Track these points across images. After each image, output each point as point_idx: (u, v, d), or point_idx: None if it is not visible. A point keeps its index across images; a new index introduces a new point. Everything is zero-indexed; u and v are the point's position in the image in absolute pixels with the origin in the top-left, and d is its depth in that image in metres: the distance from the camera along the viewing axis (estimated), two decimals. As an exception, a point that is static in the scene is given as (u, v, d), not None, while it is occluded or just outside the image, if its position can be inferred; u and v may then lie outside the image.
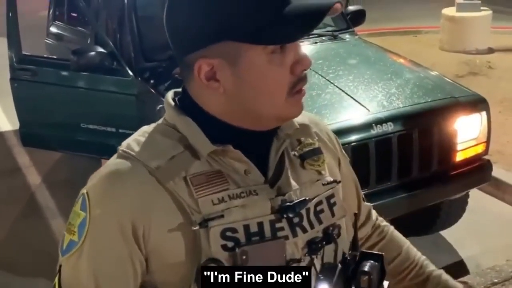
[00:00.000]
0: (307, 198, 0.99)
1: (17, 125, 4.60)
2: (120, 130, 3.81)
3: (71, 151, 4.42)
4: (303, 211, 0.99)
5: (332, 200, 1.05)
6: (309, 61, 0.95)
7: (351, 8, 4.41)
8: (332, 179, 1.06)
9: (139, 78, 3.72)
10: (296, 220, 0.98)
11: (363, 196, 1.28)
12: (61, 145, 4.31)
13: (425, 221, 3.73)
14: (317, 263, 1.00)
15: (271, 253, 0.94)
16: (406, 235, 1.35)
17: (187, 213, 0.92)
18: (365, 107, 3.08)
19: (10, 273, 3.50)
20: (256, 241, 0.93)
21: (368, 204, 1.31)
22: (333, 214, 1.04)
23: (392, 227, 1.34)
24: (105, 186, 0.95)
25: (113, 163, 0.97)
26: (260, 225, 0.95)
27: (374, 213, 1.34)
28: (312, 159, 1.05)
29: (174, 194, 0.92)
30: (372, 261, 1.02)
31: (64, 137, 4.17)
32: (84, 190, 0.97)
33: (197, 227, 0.91)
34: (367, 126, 2.96)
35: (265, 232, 0.95)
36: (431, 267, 1.28)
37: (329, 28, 4.13)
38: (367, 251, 1.06)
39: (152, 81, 3.68)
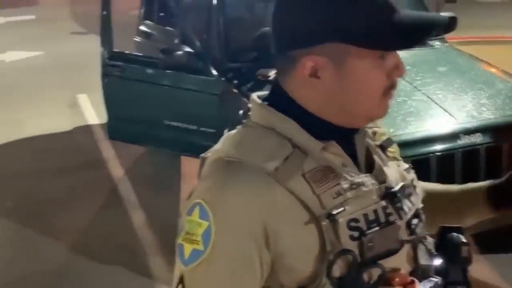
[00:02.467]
0: (403, 184, 1.05)
1: (104, 119, 4.80)
2: (201, 128, 3.88)
3: (153, 146, 4.55)
4: (404, 196, 1.04)
5: (415, 184, 1.11)
6: (405, 69, 1.00)
7: (442, 14, 4.26)
8: (407, 165, 1.13)
9: (223, 78, 3.78)
10: (399, 204, 1.03)
11: None
12: (145, 140, 4.44)
13: (508, 239, 3.54)
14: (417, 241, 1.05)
15: (389, 238, 0.99)
16: (486, 251, 1.30)
17: (311, 209, 0.94)
18: (452, 116, 2.97)
19: (88, 262, 3.63)
20: (376, 228, 0.98)
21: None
22: (418, 197, 1.10)
23: None
24: (224, 193, 0.94)
25: (222, 171, 0.97)
26: (375, 212, 0.99)
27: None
28: (390, 147, 1.11)
29: (296, 193, 0.94)
30: (456, 233, 1.09)
31: (148, 132, 4.29)
32: (197, 199, 0.96)
33: (325, 222, 0.94)
34: (454, 136, 2.85)
35: (380, 218, 0.99)
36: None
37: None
38: (446, 225, 1.13)
39: (235, 82, 3.72)
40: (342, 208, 0.95)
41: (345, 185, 0.97)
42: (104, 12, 4.48)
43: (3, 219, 4.14)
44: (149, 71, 4.23)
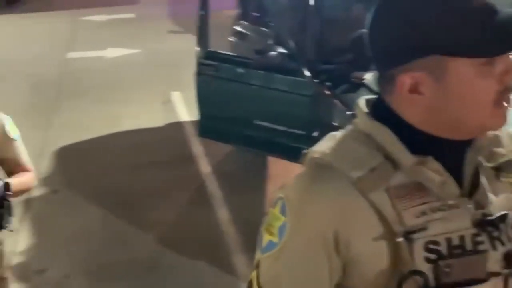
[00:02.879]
0: (505, 212, 0.97)
1: (195, 117, 4.89)
2: (291, 130, 3.86)
3: (242, 146, 4.58)
4: (502, 225, 0.97)
5: None
6: None
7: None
8: None
9: (316, 80, 3.73)
10: (495, 233, 0.96)
11: None
12: (233, 138, 4.48)
13: None
14: None
15: (472, 267, 0.94)
16: None
17: (389, 224, 0.93)
18: None
19: (174, 255, 3.72)
20: (458, 254, 0.94)
21: None
22: None
23: None
24: (305, 194, 0.97)
25: (310, 171, 0.99)
26: (462, 238, 0.94)
27: None
28: (507, 171, 1.02)
29: (376, 205, 0.93)
30: None
31: (237, 131, 4.33)
32: (282, 194, 1.00)
33: (401, 239, 0.92)
34: None
35: (466, 246, 0.94)
36: None
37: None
38: None
39: (328, 84, 3.67)
40: (422, 228, 0.92)
41: (435, 204, 0.94)
42: (202, 12, 4.57)
43: (96, 208, 4.32)
44: (242, 71, 4.27)
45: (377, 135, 0.97)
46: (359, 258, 0.95)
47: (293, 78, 3.87)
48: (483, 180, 0.99)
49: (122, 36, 9.93)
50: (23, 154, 2.28)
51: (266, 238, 1.00)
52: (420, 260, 0.92)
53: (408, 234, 0.92)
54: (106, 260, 3.68)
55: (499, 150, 1.03)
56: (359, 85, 3.36)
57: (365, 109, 1.01)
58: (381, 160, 0.95)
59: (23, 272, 3.55)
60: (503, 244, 0.97)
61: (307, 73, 3.78)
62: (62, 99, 6.89)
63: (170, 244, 3.83)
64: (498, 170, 1.01)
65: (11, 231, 2.31)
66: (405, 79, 0.93)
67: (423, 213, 0.93)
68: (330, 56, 3.87)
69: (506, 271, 0.97)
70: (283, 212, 0.98)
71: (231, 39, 5.27)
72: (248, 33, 4.85)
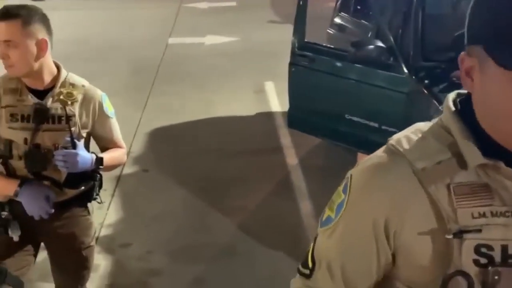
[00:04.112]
0: None
1: (286, 107, 4.86)
2: (383, 127, 3.73)
3: (331, 140, 4.50)
4: None
5: None
6: None
7: None
8: None
9: (414, 77, 3.58)
10: None
11: None
12: (323, 132, 4.41)
13: None
14: None
15: None
16: None
17: (443, 220, 0.91)
18: None
19: (254, 242, 3.71)
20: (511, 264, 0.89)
21: None
22: None
23: None
24: (367, 176, 0.99)
25: (380, 155, 1.00)
26: None
27: None
28: None
29: (434, 198, 0.92)
30: None
31: (327, 125, 4.25)
32: (349, 173, 1.02)
33: (450, 236, 0.90)
34: None
35: None
36: None
37: None
38: None
39: (426, 81, 3.50)
40: (477, 230, 0.89)
41: (499, 209, 0.90)
42: (301, 2, 4.52)
43: (182, 191, 4.41)
44: (337, 63, 4.18)
45: (454, 131, 0.95)
46: (406, 250, 0.95)
47: (390, 73, 3.74)
48: None
49: (222, 24, 10.09)
50: (117, 131, 2.34)
51: (326, 213, 1.05)
52: (468, 262, 0.89)
53: (461, 233, 0.89)
54: (187, 241, 3.75)
55: None
56: (459, 85, 3.17)
57: (451, 104, 0.98)
58: (449, 156, 0.93)
59: (109, 244, 3.69)
60: None
61: (405, 69, 3.63)
62: (160, 82, 7.10)
63: (250, 232, 3.84)
64: None
65: (101, 203, 2.40)
66: (465, 58, 0.91)
67: (482, 215, 0.90)
68: (431, 53, 3.69)
69: None
70: (345, 190, 1.01)
71: (330, 30, 5.19)
72: (347, 25, 4.75)
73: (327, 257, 1.03)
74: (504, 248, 0.89)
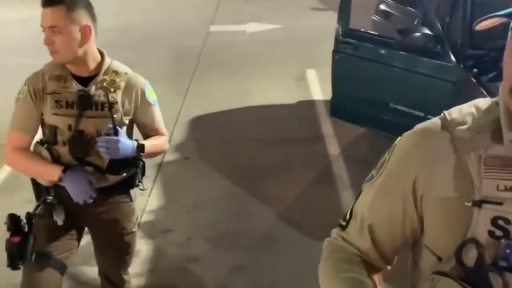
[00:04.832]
0: None
1: (328, 96, 4.80)
2: (428, 116, 3.60)
3: (373, 128, 4.42)
4: None
5: None
6: None
7: None
8: None
9: (461, 65, 3.46)
10: None
11: None
12: (366, 120, 4.33)
13: None
14: None
15: None
16: None
17: (469, 188, 0.93)
18: None
19: (293, 231, 3.69)
20: None
21: None
22: None
23: None
24: (411, 137, 1.06)
25: (430, 121, 1.06)
26: None
27: None
28: None
29: (464, 165, 0.95)
30: None
31: (370, 113, 4.17)
32: (400, 137, 1.09)
33: (469, 204, 0.92)
34: None
35: None
36: None
37: None
38: None
39: (475, 70, 3.39)
40: (498, 202, 0.90)
41: None
42: (346, -11, 4.43)
43: (222, 178, 4.41)
44: (382, 51, 4.09)
45: (500, 107, 0.97)
46: (431, 213, 0.99)
47: (437, 62, 3.64)
48: None
49: (265, 12, 10.04)
50: (159, 118, 2.35)
51: (371, 172, 1.12)
52: (482, 231, 0.91)
53: (481, 203, 0.91)
54: (226, 229, 3.75)
55: None
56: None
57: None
58: (490, 129, 0.96)
59: (150, 230, 3.73)
60: None
61: (452, 57, 3.52)
62: (200, 70, 7.11)
63: (290, 221, 3.81)
64: None
65: (143, 189, 2.41)
66: None
67: (508, 189, 0.90)
68: (479, 41, 3.56)
69: None
70: (389, 150, 1.09)
71: (375, 17, 5.08)
72: (393, 12, 4.64)
73: (361, 213, 1.11)
74: None
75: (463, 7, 3.63)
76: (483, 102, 1.03)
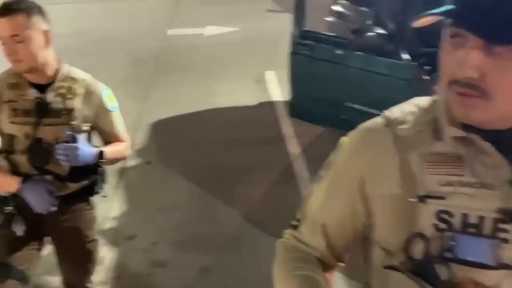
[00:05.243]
0: None
1: (287, 97, 4.85)
2: (385, 114, 3.72)
3: (332, 127, 4.49)
4: None
5: None
6: (462, 72, 0.88)
7: None
8: None
9: (415, 63, 3.56)
10: None
11: None
12: (324, 120, 4.40)
13: None
14: None
15: (482, 250, 0.91)
16: None
17: (413, 184, 0.96)
18: None
19: (258, 231, 3.72)
20: (470, 232, 0.92)
21: None
22: None
23: None
24: (355, 137, 1.09)
25: (373, 120, 1.08)
26: (481, 219, 0.92)
27: None
28: None
29: (407, 163, 0.97)
30: None
31: (329, 113, 4.24)
32: (343, 137, 1.12)
33: (415, 200, 0.95)
34: None
35: (484, 228, 0.92)
36: None
37: None
38: None
39: (428, 68, 3.49)
40: (440, 196, 0.93)
41: (467, 179, 0.93)
42: (300, -10, 4.50)
43: (186, 182, 4.41)
44: (338, 51, 4.16)
45: (440, 105, 1.00)
46: (378, 208, 1.02)
47: (391, 60, 3.72)
48: None
49: (222, 14, 10.05)
50: (120, 124, 2.34)
51: (320, 173, 1.16)
52: (427, 225, 0.94)
53: (425, 198, 0.94)
54: (192, 232, 3.76)
55: None
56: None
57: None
58: (430, 127, 0.99)
59: (114, 236, 3.71)
60: None
61: (406, 55, 3.62)
62: (160, 74, 7.09)
63: (255, 221, 3.85)
64: None
65: (105, 196, 2.40)
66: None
67: (449, 184, 0.93)
68: (432, 39, 3.67)
69: None
70: (336, 150, 1.12)
71: (329, 18, 5.16)
72: (347, 12, 4.72)
73: (312, 213, 1.14)
74: (465, 216, 0.92)
75: (415, 5, 3.73)
76: (423, 101, 1.06)
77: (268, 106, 5.93)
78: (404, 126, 1.01)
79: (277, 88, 6.31)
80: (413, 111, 1.03)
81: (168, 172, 4.59)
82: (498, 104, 0.89)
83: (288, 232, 1.22)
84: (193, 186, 4.35)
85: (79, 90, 2.19)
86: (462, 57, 0.88)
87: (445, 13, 0.89)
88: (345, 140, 1.11)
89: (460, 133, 0.94)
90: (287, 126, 5.31)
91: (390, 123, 1.03)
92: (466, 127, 0.94)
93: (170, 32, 9.15)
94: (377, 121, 1.06)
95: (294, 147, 4.96)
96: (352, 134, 1.10)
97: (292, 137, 5.15)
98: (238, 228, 3.79)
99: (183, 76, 6.94)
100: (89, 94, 2.21)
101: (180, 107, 5.93)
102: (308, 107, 4.47)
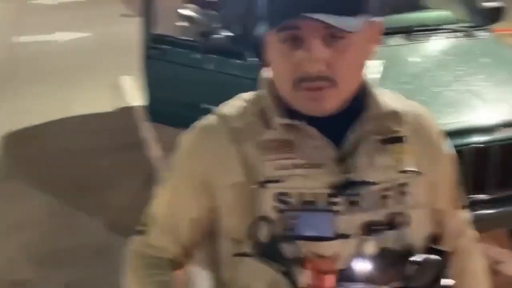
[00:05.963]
0: (371, 181, 1.02)
1: (143, 101, 4.86)
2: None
3: (190, 130, 4.58)
4: (365, 192, 1.02)
5: (404, 189, 1.05)
6: (313, 68, 0.96)
7: (487, 4, 4.11)
8: (411, 169, 1.05)
9: (262, 63, 3.75)
10: (355, 198, 1.01)
11: (463, 205, 1.23)
12: (182, 123, 4.42)
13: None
14: (375, 245, 1.01)
15: (320, 223, 0.98)
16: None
17: (252, 173, 1.02)
18: (492, 108, 2.89)
19: (124, 239, 3.65)
20: (307, 209, 1.00)
21: (464, 216, 1.25)
22: (400, 202, 1.04)
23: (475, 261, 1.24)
24: (192, 136, 1.13)
25: (206, 118, 1.14)
26: (316, 196, 1.01)
27: (468, 234, 1.25)
28: (393, 146, 1.06)
29: (244, 154, 1.04)
30: (431, 256, 1.02)
31: (185, 115, 4.29)
32: (182, 135, 1.15)
33: (255, 186, 1.01)
34: (492, 129, 2.77)
35: (318, 203, 1.00)
36: None
37: (463, 24, 3.90)
38: (436, 246, 1.06)
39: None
40: (277, 180, 1.00)
41: (299, 161, 1.02)
42: (146, -6, 4.52)
43: (44, 195, 4.27)
44: (189, 54, 4.25)
45: (263, 99, 1.09)
46: (223, 200, 1.06)
47: (240, 61, 3.87)
48: (363, 149, 1.04)
49: (73, 20, 9.74)
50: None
51: (163, 174, 1.20)
52: (268, 208, 1.00)
53: (264, 183, 1.01)
54: (53, 246, 3.66)
55: (393, 126, 1.07)
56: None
57: (264, 75, 1.11)
58: (259, 117, 1.06)
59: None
60: (364, 211, 1.01)
61: (253, 56, 3.79)
62: (10, 84, 6.73)
63: (120, 229, 3.82)
64: (383, 143, 1.06)
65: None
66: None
67: (284, 167, 1.01)
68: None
69: (360, 236, 1.01)
70: (175, 151, 1.15)
71: (179, 22, 5.23)
72: (196, 16, 4.83)
73: (160, 215, 1.17)
74: (301, 196, 1.00)
75: (255, 7, 3.92)
76: (248, 95, 1.14)
77: (126, 112, 5.89)
78: (236, 119, 1.07)
79: (134, 94, 6.28)
80: (241, 105, 1.11)
81: (22, 187, 4.40)
82: (343, 88, 0.99)
83: (136, 239, 1.21)
84: (53, 198, 4.22)
85: None
86: (304, 56, 0.95)
87: (276, 22, 0.95)
88: (182, 139, 1.14)
89: (288, 120, 1.03)
90: (148, 131, 5.32)
91: (223, 118, 1.09)
92: (292, 115, 1.03)
93: (17, 39, 8.69)
94: (210, 118, 1.12)
95: (155, 151, 4.99)
96: (188, 133, 1.14)
97: (152, 141, 5.16)
98: (103, 238, 3.75)
99: (34, 85, 6.64)
100: None
101: (33, 117, 5.68)
102: (166, 111, 4.50)
